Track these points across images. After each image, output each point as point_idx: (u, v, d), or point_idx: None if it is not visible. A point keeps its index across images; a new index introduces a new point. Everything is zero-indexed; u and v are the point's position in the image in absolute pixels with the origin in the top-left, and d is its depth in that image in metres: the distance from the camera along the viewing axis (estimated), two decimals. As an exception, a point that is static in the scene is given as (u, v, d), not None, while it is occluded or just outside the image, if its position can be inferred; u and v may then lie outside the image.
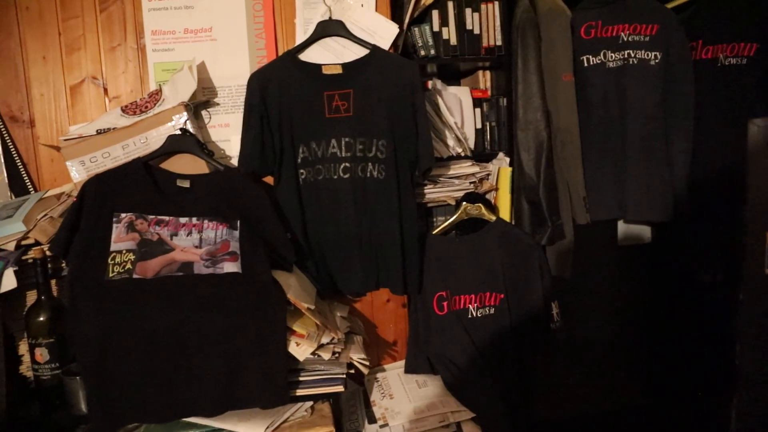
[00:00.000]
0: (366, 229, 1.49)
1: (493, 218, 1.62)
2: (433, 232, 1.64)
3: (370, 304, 1.72)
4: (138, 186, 1.30)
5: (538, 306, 1.59)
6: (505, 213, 1.70)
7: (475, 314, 1.59)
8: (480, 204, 1.61)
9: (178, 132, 1.41)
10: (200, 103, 1.55)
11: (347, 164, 1.46)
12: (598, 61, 1.76)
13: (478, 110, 1.70)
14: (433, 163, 1.50)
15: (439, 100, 1.63)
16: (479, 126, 1.71)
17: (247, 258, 1.25)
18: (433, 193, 1.64)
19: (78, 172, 1.40)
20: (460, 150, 1.64)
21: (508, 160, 1.69)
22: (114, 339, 1.10)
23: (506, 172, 1.68)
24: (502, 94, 1.71)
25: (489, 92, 1.76)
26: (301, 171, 1.48)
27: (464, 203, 1.61)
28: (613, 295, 2.41)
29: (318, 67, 1.47)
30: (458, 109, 1.67)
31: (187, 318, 1.13)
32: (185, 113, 1.42)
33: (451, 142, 1.64)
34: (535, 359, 1.63)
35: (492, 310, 1.59)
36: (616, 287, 2.40)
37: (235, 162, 1.52)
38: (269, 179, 1.53)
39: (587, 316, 2.31)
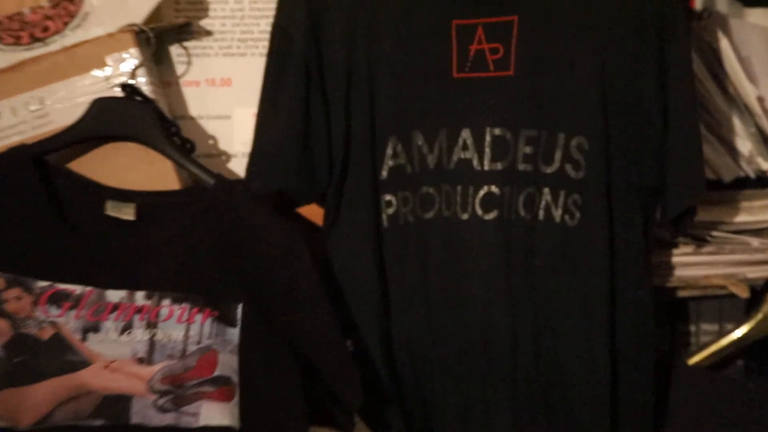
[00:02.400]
0: (531, 345, 0.90)
1: None
2: (690, 361, 1.00)
3: None
4: (18, 209, 0.86)
5: None
6: None
7: None
8: (818, 303, 0.89)
9: (117, 91, 0.93)
10: (169, 29, 0.98)
11: (495, 188, 0.94)
12: None
13: (819, 68, 0.96)
14: (701, 197, 0.89)
15: (723, 44, 0.96)
16: (823, 107, 0.97)
17: (254, 393, 0.82)
18: (691, 265, 1.00)
19: None
20: (767, 165, 0.97)
21: None
22: None
23: None
24: None
25: None
26: (388, 197, 0.94)
27: (775, 297, 0.91)
28: None
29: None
30: (766, 63, 1.01)
31: None
32: (134, 50, 0.94)
33: (744, 145, 0.97)
34: None
35: None
36: None
37: (239, 168, 1.00)
38: (313, 211, 0.96)
39: None
